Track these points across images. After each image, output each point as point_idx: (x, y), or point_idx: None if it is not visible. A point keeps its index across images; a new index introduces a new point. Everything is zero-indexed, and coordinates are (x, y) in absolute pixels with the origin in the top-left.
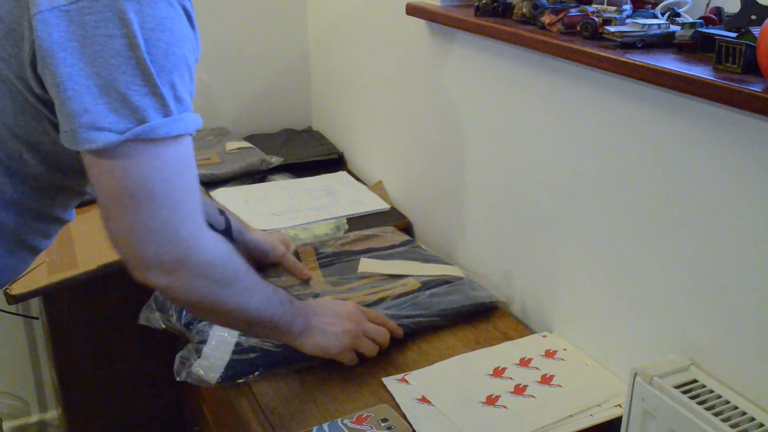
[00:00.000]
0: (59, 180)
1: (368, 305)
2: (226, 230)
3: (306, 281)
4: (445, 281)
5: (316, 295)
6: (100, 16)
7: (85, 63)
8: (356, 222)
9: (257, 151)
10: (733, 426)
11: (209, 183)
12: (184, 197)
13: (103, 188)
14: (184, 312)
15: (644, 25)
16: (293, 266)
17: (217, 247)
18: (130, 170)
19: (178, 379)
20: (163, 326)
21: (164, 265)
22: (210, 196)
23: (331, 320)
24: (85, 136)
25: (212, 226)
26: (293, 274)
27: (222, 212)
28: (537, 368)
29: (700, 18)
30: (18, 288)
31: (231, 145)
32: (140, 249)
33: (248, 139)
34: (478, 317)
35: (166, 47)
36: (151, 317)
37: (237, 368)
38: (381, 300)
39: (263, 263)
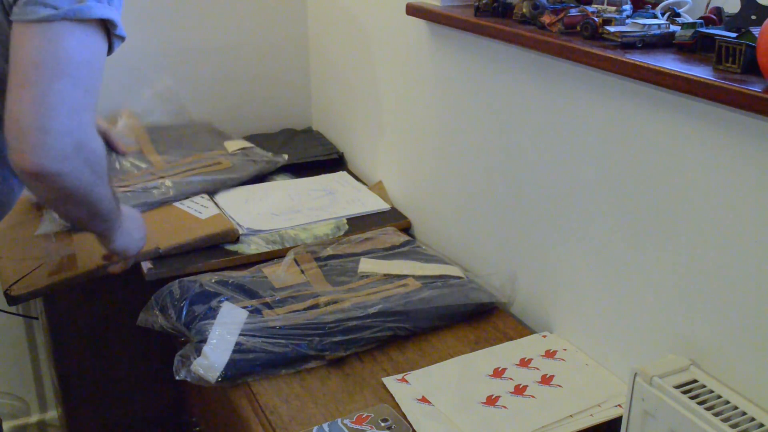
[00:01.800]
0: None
1: (369, 305)
2: None
3: (122, 154)
4: (445, 281)
5: (318, 295)
6: None
7: None
8: (356, 222)
9: (259, 150)
10: (733, 426)
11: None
12: (94, 86)
13: (25, 59)
14: (185, 312)
15: (644, 25)
16: (116, 139)
17: (100, 140)
18: (61, 43)
19: (177, 378)
20: (163, 326)
21: (65, 146)
22: (208, 194)
23: (134, 225)
24: (32, 8)
25: None
26: (115, 148)
27: None
28: (537, 368)
29: (700, 18)
30: (18, 288)
31: (231, 146)
32: (49, 122)
33: (248, 139)
34: (478, 317)
35: None
36: (151, 318)
37: (237, 368)
38: (382, 300)
39: None
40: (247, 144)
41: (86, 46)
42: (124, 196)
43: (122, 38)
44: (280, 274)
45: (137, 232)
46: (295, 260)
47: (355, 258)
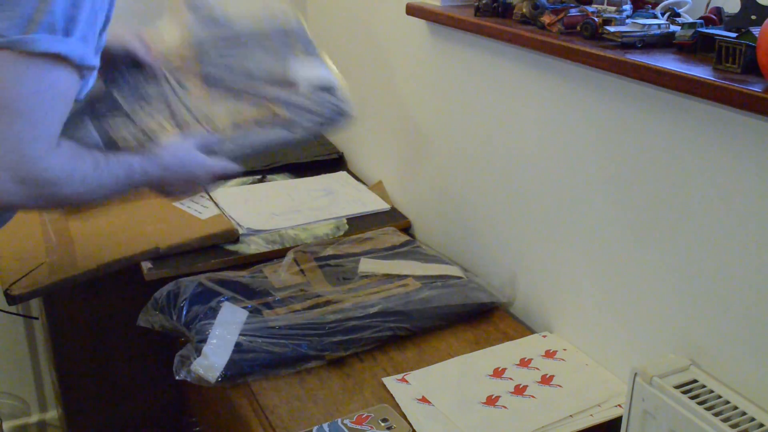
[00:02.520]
0: None
1: (369, 305)
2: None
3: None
4: (445, 281)
5: (318, 295)
6: None
7: None
8: (356, 222)
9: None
10: (733, 426)
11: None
12: (46, 118)
13: None
14: (185, 312)
15: (644, 25)
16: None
17: (63, 163)
18: (5, 82)
19: (177, 377)
20: (163, 326)
21: (5, 182)
22: (208, 194)
23: (180, 179)
24: None
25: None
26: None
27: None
28: (537, 368)
29: (700, 18)
30: (18, 288)
31: (303, 71)
32: None
33: None
34: (478, 317)
35: None
36: (151, 319)
37: (237, 368)
38: (382, 300)
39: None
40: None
41: (33, 80)
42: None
43: (92, 68)
44: (280, 273)
45: (183, 186)
46: (295, 260)
47: (355, 258)
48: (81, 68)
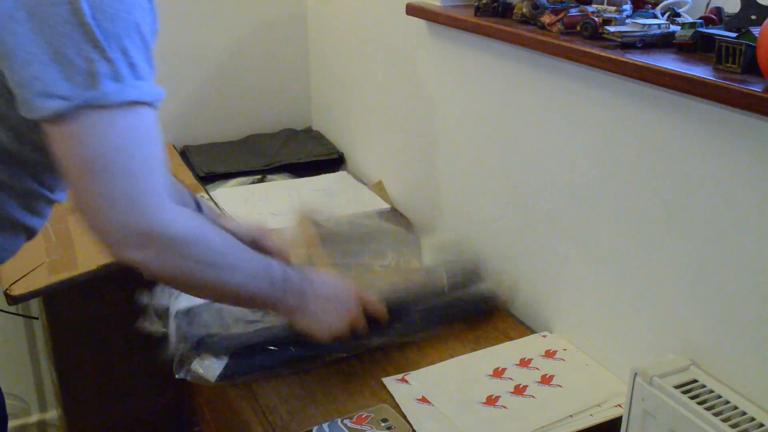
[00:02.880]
0: (35, 156)
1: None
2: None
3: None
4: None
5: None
6: None
7: (34, 31)
8: None
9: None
10: (733, 426)
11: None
12: (145, 169)
13: (62, 158)
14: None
15: (644, 25)
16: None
17: (187, 222)
18: (85, 138)
19: (177, 376)
20: (164, 332)
21: (131, 238)
22: (208, 194)
23: (328, 306)
24: (38, 103)
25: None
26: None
27: (194, 199)
28: (537, 368)
29: (700, 18)
30: (18, 288)
31: (429, 247)
32: (105, 222)
33: (248, 139)
34: (478, 317)
35: (114, 12)
36: (150, 325)
37: (237, 368)
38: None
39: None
40: (448, 246)
41: (117, 134)
42: None
43: (162, 99)
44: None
45: (329, 315)
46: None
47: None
48: (153, 103)
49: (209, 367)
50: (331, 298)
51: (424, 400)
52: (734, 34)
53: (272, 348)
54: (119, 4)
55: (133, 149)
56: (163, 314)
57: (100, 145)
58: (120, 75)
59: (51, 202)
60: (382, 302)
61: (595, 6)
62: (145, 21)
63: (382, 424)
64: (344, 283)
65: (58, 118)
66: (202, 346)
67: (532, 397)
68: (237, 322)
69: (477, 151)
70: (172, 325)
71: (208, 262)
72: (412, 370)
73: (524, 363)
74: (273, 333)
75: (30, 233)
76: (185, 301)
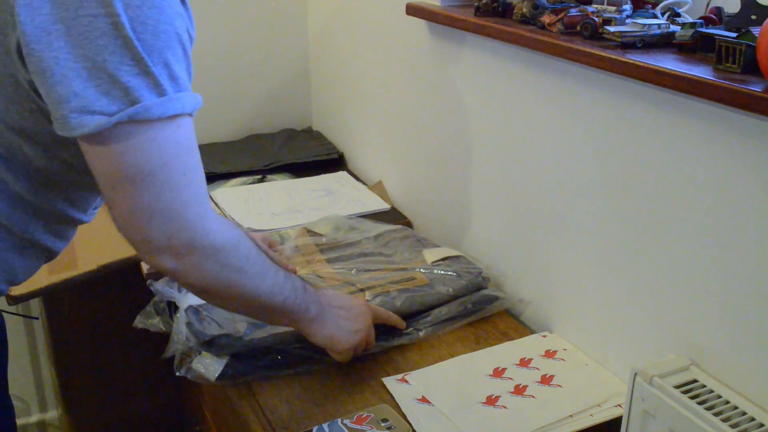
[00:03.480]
0: (65, 174)
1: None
2: None
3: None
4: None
5: None
6: None
7: (72, 45)
8: None
9: (466, 260)
10: (733, 426)
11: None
12: (187, 180)
13: (102, 174)
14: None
15: (644, 25)
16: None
17: (226, 231)
18: (127, 154)
19: (178, 374)
20: (163, 329)
21: (173, 248)
22: (209, 195)
23: (345, 314)
24: (77, 121)
25: None
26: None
27: None
28: (537, 368)
29: (700, 18)
30: (18, 288)
31: (432, 255)
32: (147, 233)
33: (248, 139)
34: (478, 317)
35: (155, 24)
36: (150, 322)
37: (237, 367)
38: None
39: None
40: (452, 252)
41: (160, 147)
42: None
43: (200, 107)
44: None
45: (348, 322)
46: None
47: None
48: (193, 113)
49: (210, 367)
50: (346, 308)
51: (424, 400)
52: (734, 34)
53: (279, 357)
54: (159, 15)
55: (176, 162)
56: (163, 310)
57: (143, 159)
58: (162, 88)
59: (78, 223)
60: (392, 313)
61: (595, 6)
62: (184, 29)
63: (382, 424)
64: (354, 297)
65: (98, 134)
66: (214, 345)
67: (532, 397)
68: (242, 322)
69: (477, 150)
70: (181, 320)
71: (244, 271)
72: (412, 370)
73: (524, 363)
74: (283, 338)
75: (51, 256)
76: (193, 297)
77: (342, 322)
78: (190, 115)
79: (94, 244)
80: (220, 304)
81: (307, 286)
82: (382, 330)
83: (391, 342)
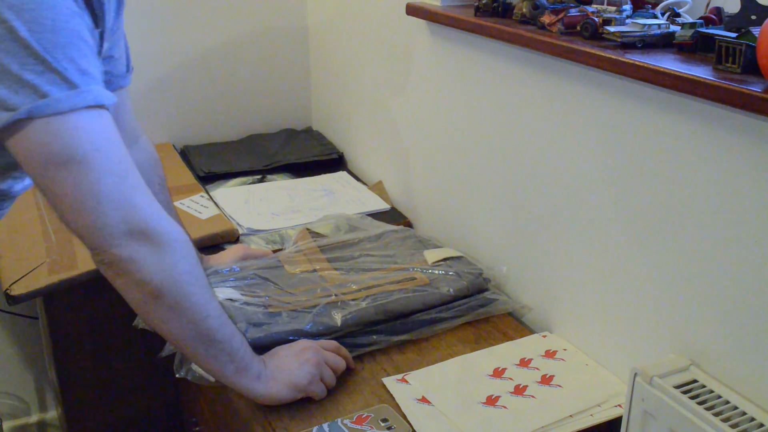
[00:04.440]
0: None
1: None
2: None
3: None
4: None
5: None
6: None
7: None
8: None
9: (467, 260)
10: (733, 426)
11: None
12: (125, 168)
13: (35, 170)
14: None
15: (644, 25)
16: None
17: (175, 225)
18: (53, 143)
19: (177, 375)
20: None
21: (128, 234)
22: (208, 194)
23: (289, 358)
24: None
25: None
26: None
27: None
28: (537, 368)
29: (700, 18)
30: (18, 288)
31: (433, 256)
32: (100, 219)
33: (248, 139)
34: (478, 317)
35: (52, 24)
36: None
37: None
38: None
39: None
40: (453, 253)
41: (87, 134)
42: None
43: (112, 103)
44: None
45: (294, 361)
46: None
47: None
48: (110, 107)
49: None
50: (284, 353)
51: (424, 400)
52: (734, 34)
53: None
54: (56, 15)
55: (109, 147)
56: None
57: (73, 145)
58: (71, 82)
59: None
60: (342, 349)
61: (595, 6)
62: (84, 27)
63: (382, 424)
64: (291, 343)
65: (18, 130)
66: None
67: (532, 397)
68: (242, 322)
69: (477, 150)
70: None
71: (196, 276)
72: (412, 370)
73: (524, 363)
74: (283, 339)
75: None
76: None
77: (288, 364)
78: (108, 109)
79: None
80: (166, 318)
81: (248, 346)
82: (383, 329)
83: (391, 339)
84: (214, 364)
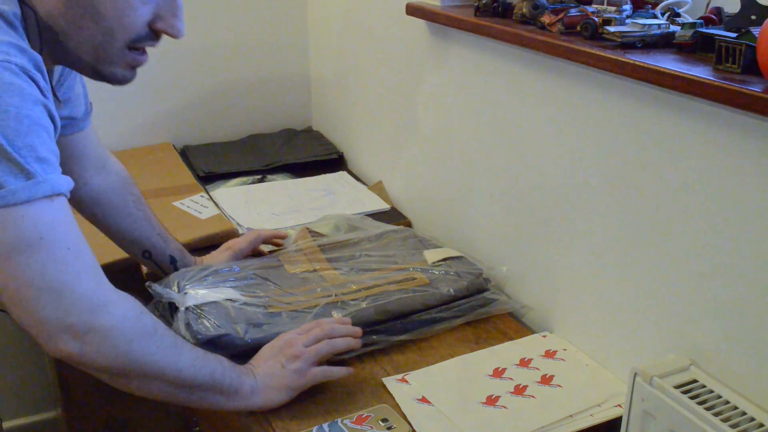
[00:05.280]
0: None
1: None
2: (171, 260)
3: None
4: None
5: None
6: None
7: None
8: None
9: (467, 260)
10: (733, 426)
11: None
12: (73, 254)
13: None
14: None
15: (644, 25)
16: (269, 239)
17: (127, 302)
18: (3, 236)
19: None
20: None
21: (71, 328)
22: (208, 194)
23: (273, 360)
24: None
25: (156, 262)
26: (274, 243)
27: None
28: (537, 368)
29: (700, 18)
30: None
31: (433, 256)
32: (40, 313)
33: (248, 139)
34: (479, 317)
35: (16, 111)
36: None
37: None
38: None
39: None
40: (453, 253)
41: (32, 223)
42: (293, 314)
43: (70, 189)
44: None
45: (277, 362)
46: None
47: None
48: (67, 193)
49: None
50: (267, 355)
51: (424, 400)
52: (734, 34)
53: None
54: (20, 101)
55: (54, 235)
56: (164, 310)
57: (16, 235)
58: (29, 172)
59: None
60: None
61: (595, 6)
62: (45, 115)
63: (382, 424)
64: (279, 342)
65: None
66: (214, 345)
67: (532, 397)
68: (242, 322)
69: (477, 150)
70: (181, 320)
71: (155, 344)
72: (412, 370)
73: (524, 363)
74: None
75: None
76: (192, 298)
77: (273, 366)
78: (66, 195)
79: (94, 244)
80: (140, 388)
81: (231, 362)
82: (383, 329)
83: (391, 339)
84: (204, 403)
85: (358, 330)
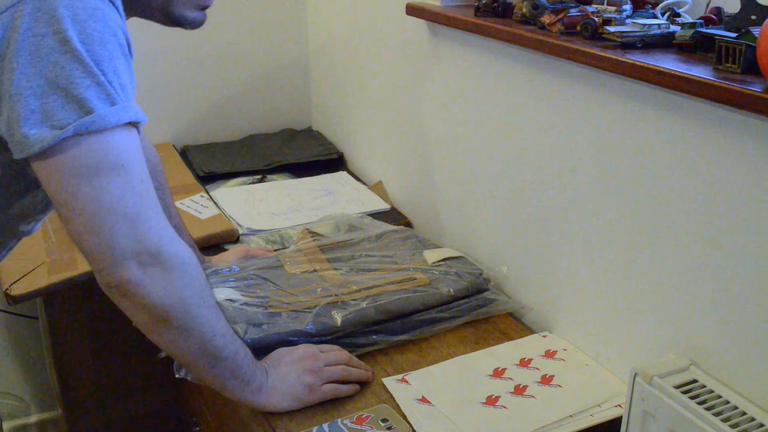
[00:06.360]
0: (10, 202)
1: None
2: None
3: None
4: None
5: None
6: (31, 17)
7: (25, 65)
8: None
9: (467, 260)
10: (733, 426)
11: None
12: (145, 187)
13: (58, 186)
14: None
15: (644, 25)
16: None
17: (188, 248)
18: (84, 156)
19: (177, 376)
20: None
21: (140, 255)
22: (208, 194)
23: (289, 367)
24: (36, 137)
25: None
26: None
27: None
28: (537, 368)
29: (700, 18)
30: (18, 288)
31: (433, 256)
32: (113, 239)
33: (248, 139)
34: (479, 318)
35: (100, 36)
36: None
37: None
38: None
39: None
40: (453, 253)
41: (115, 149)
42: (291, 315)
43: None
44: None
45: (292, 372)
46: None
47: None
48: (140, 124)
49: None
50: (285, 361)
51: (424, 400)
52: (734, 34)
53: None
54: (105, 27)
55: (133, 166)
56: None
57: (101, 160)
58: (113, 98)
59: (22, 236)
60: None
61: (595, 6)
62: (125, 40)
63: (382, 424)
64: (292, 347)
65: (56, 146)
66: None
67: (532, 397)
68: (242, 323)
69: (477, 150)
70: None
71: (204, 297)
72: (412, 370)
73: (524, 363)
74: (283, 339)
75: None
76: None
77: (288, 372)
78: (138, 127)
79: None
80: (175, 341)
81: (251, 354)
82: (383, 329)
83: (391, 339)
84: (217, 379)
85: (371, 373)
